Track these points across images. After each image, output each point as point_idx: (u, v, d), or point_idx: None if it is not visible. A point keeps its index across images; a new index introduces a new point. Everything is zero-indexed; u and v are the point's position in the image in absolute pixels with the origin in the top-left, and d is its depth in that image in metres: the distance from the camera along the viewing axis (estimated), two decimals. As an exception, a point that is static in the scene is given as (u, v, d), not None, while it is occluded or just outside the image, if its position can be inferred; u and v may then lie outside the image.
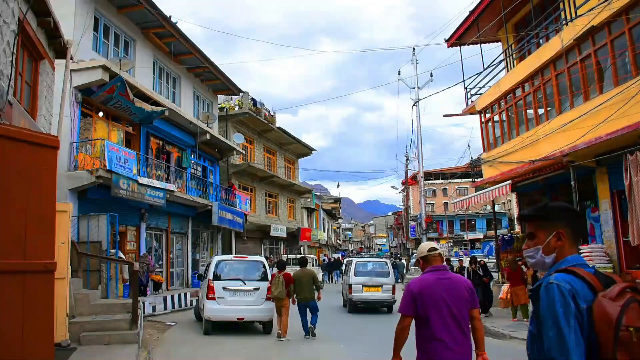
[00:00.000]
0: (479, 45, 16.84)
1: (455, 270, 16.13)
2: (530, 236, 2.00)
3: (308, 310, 10.25)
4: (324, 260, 36.45)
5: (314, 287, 10.32)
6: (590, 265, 1.91)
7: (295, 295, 10.20)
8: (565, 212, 1.96)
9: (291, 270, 11.36)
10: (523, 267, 12.57)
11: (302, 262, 11.13)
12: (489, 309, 13.43)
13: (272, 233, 27.90)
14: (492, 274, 14.75)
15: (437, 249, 3.64)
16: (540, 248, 1.95)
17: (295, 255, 26.78)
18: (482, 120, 16.68)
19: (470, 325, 3.43)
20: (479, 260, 15.06)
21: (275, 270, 11.38)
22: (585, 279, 1.75)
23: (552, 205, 1.98)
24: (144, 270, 12.85)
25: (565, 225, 1.92)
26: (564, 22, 12.40)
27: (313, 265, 26.43)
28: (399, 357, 3.48)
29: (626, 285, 1.71)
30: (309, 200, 38.22)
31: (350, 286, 14.73)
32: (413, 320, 3.43)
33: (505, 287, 12.88)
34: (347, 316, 14.46)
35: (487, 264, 18.88)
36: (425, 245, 3.70)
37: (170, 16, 16.43)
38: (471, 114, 17.46)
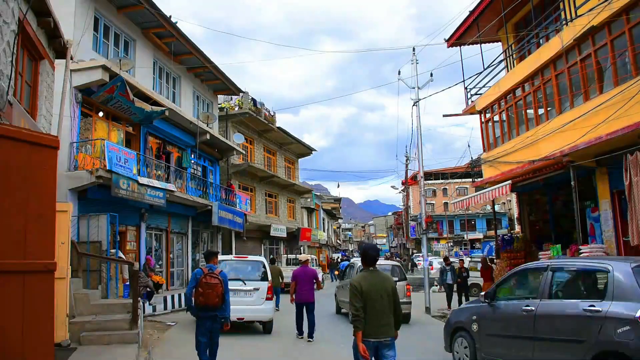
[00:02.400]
0: (479, 45, 16.82)
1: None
2: None
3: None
4: (332, 259, 40.62)
5: (280, 277, 15.54)
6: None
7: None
8: None
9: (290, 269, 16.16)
10: (493, 265, 15.57)
11: (272, 261, 17.52)
12: None
13: (272, 233, 27.88)
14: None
15: (308, 259, 11.08)
16: None
17: (294, 255, 26.80)
18: (482, 120, 16.67)
19: (315, 285, 10.35)
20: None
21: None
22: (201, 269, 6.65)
23: None
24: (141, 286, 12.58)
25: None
26: (564, 22, 12.39)
27: (313, 266, 26.45)
28: (292, 296, 10.32)
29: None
30: (309, 200, 38.21)
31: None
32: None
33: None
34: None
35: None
36: (306, 256, 11.38)
37: (170, 16, 16.43)
38: (471, 114, 17.43)
